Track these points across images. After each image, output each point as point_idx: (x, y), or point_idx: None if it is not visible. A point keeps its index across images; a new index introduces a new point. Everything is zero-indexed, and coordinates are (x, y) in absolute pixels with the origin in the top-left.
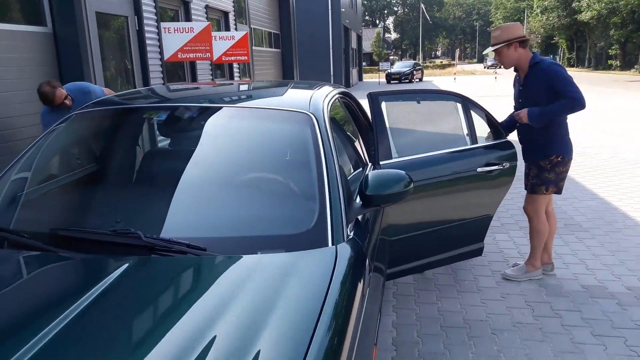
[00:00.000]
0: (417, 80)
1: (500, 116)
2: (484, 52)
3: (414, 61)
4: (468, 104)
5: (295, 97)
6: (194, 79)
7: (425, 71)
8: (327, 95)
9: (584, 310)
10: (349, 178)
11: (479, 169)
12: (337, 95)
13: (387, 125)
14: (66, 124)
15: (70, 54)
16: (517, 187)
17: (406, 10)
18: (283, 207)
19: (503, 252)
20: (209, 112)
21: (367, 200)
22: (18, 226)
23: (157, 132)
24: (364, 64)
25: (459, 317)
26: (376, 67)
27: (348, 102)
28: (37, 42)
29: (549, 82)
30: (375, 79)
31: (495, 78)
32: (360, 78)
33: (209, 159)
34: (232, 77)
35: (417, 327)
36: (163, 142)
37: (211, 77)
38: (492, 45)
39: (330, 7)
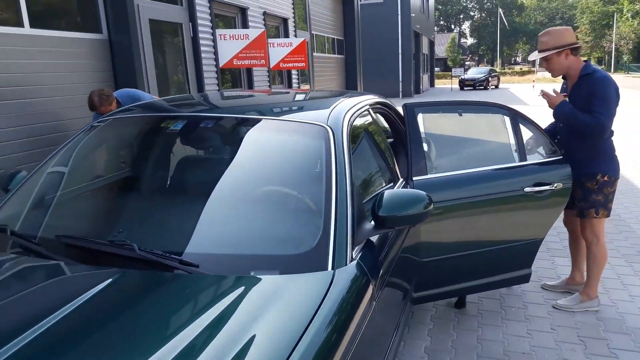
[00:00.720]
0: (493, 87)
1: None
2: (529, 58)
3: (490, 67)
4: (517, 118)
5: (318, 108)
6: (250, 86)
7: (502, 78)
8: (352, 107)
9: None
10: (372, 195)
11: (527, 189)
12: (367, 107)
13: (424, 139)
14: (99, 128)
15: (125, 61)
16: None
17: (483, 15)
18: (285, 226)
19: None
20: (226, 123)
21: (379, 221)
22: (25, 229)
23: (177, 142)
24: (437, 69)
25: (500, 347)
26: (450, 73)
27: (387, 113)
28: (94, 49)
29: (592, 93)
30: (448, 85)
31: (533, 87)
32: (431, 84)
33: (219, 172)
34: (290, 85)
35: (452, 355)
36: (182, 152)
37: (268, 85)
38: (540, 52)
39: (400, 12)
